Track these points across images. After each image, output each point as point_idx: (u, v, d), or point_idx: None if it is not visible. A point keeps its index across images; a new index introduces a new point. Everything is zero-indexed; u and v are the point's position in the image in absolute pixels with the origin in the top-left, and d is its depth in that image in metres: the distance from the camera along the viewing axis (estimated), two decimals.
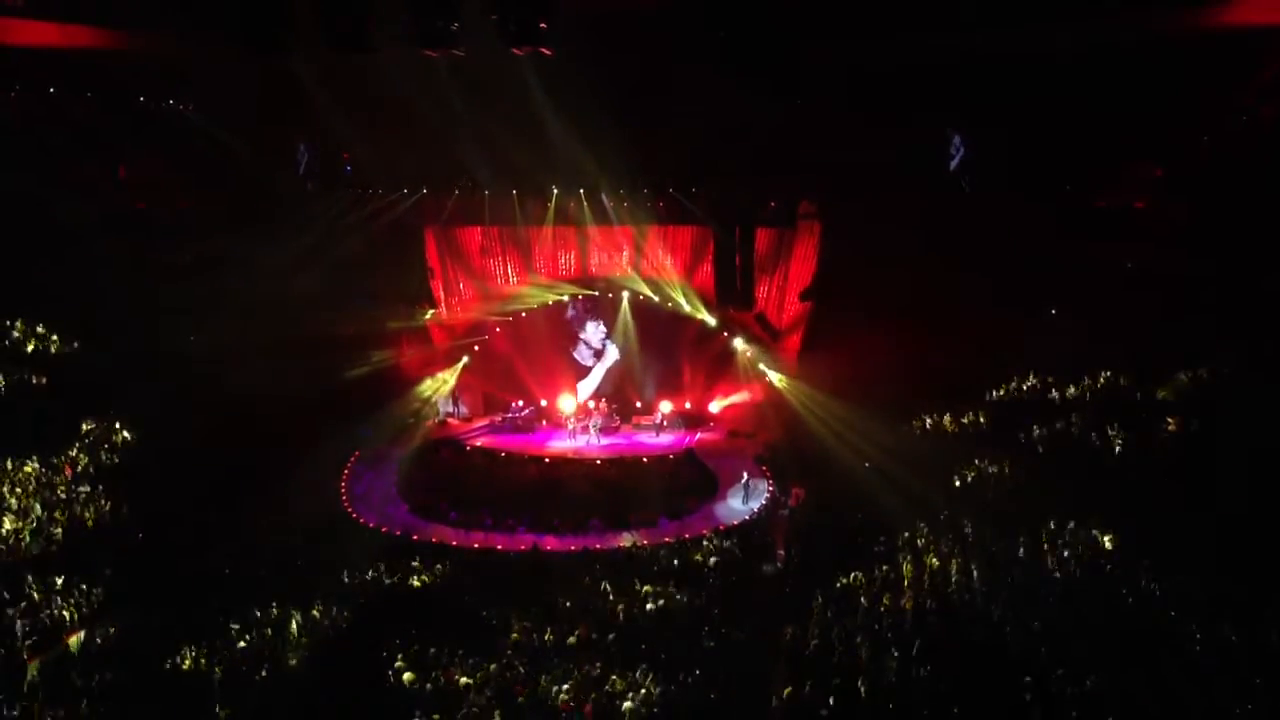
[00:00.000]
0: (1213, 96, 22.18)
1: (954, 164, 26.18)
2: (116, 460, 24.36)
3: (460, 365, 33.20)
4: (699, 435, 31.40)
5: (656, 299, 32.05)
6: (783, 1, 20.46)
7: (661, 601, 18.98)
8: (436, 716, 14.58)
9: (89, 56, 23.77)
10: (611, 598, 19.27)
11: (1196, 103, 22.41)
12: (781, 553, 22.69)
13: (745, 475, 26.91)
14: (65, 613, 17.74)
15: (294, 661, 16.90)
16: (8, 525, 19.91)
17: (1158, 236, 24.36)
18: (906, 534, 20.18)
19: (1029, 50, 22.00)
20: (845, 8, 21.25)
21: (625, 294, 32.54)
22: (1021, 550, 18.02)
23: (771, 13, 20.24)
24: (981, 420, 24.83)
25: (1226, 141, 22.82)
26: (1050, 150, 24.40)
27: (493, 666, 16.06)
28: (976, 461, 22.50)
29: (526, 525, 24.55)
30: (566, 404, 32.99)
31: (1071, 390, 24.34)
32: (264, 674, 16.35)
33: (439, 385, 32.89)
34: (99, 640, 17.63)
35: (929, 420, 25.71)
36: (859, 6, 21.43)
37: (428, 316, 32.44)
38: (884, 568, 19.04)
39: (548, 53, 19.88)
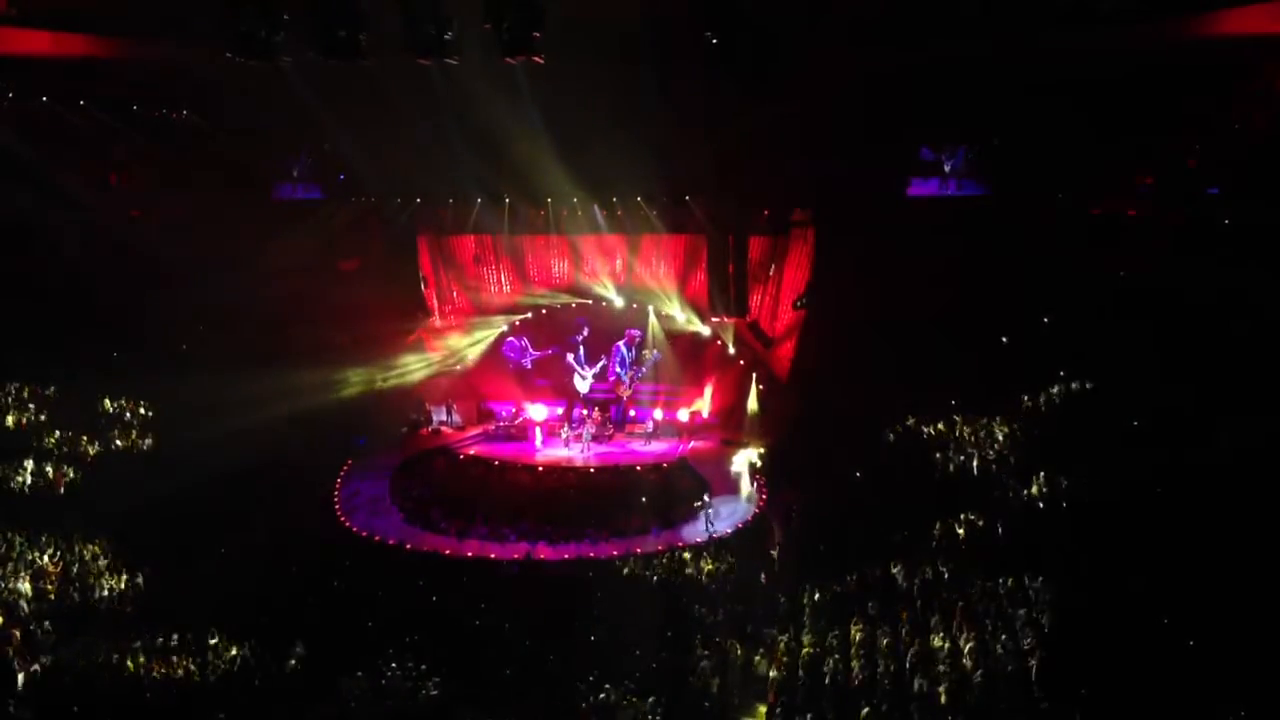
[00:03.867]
0: (1205, 105, 22.26)
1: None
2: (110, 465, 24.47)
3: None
4: (692, 444, 31.31)
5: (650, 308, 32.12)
6: (777, 9, 20.48)
7: None
8: None
9: (81, 64, 23.72)
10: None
11: (1189, 111, 22.49)
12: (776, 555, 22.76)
13: (706, 498, 25.39)
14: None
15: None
16: None
17: (1151, 245, 24.45)
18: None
19: (1023, 59, 22.07)
20: (840, 16, 21.29)
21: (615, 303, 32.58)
22: None
23: (766, 20, 20.25)
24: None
25: (1219, 150, 22.91)
26: (1046, 158, 24.48)
27: None
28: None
29: (520, 534, 24.47)
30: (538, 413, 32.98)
31: None
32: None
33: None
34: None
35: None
36: (854, 15, 21.48)
37: (422, 325, 32.44)
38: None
39: (540, 61, 19.84)
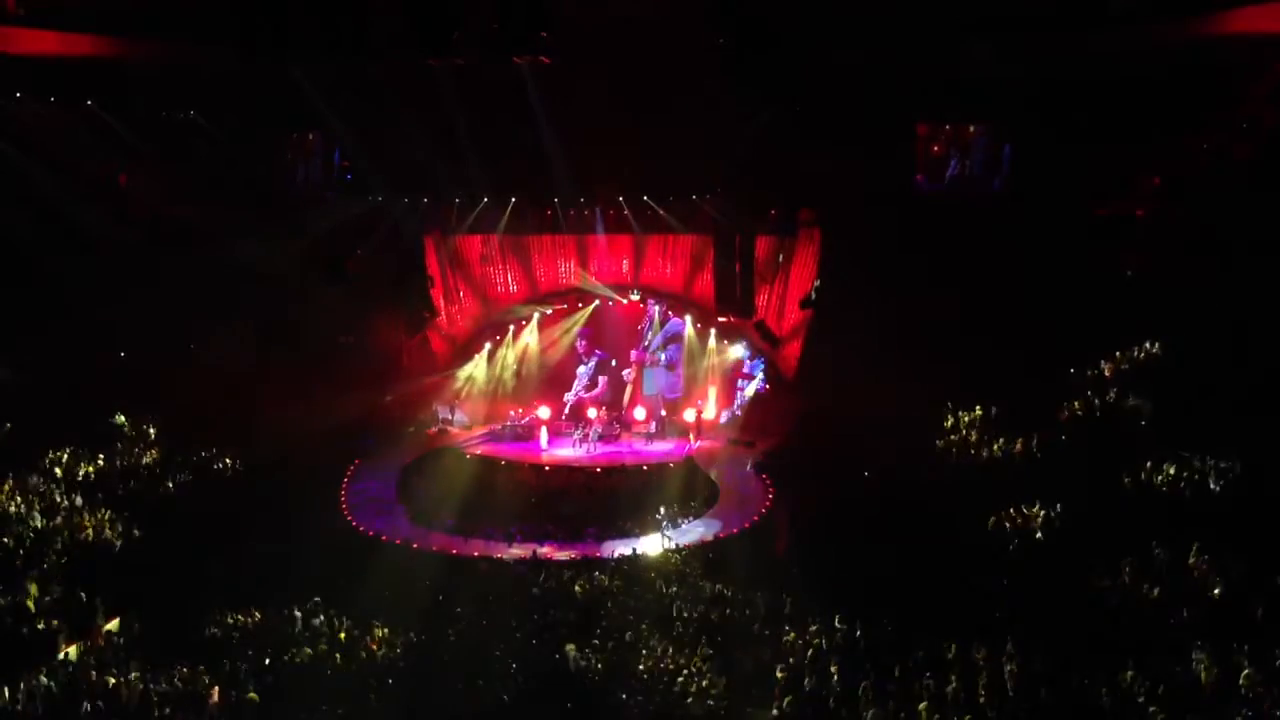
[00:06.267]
0: (1213, 105, 22.21)
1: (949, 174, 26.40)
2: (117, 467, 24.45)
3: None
4: (699, 443, 31.29)
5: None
6: (785, 9, 20.48)
7: None
8: None
9: (89, 64, 23.79)
10: None
11: (1197, 111, 22.44)
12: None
13: (662, 510, 24.75)
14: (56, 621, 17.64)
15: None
16: None
17: (1157, 245, 24.42)
18: None
19: (1031, 60, 22.05)
20: (848, 18, 21.29)
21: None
22: None
23: (774, 20, 20.25)
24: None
25: (1227, 149, 22.85)
26: (1052, 159, 24.43)
27: None
28: None
29: (526, 533, 24.45)
30: (544, 412, 32.79)
31: None
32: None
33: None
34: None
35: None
36: (862, 17, 21.48)
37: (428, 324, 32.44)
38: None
39: (547, 61, 19.89)
